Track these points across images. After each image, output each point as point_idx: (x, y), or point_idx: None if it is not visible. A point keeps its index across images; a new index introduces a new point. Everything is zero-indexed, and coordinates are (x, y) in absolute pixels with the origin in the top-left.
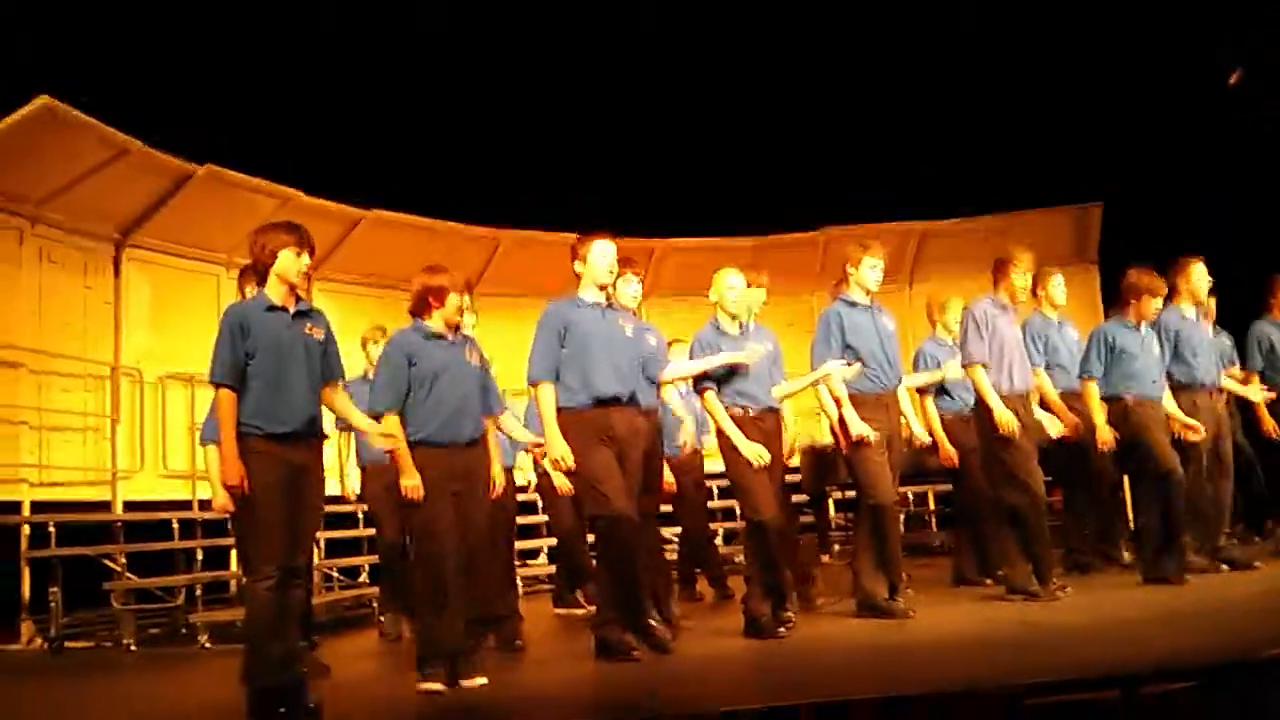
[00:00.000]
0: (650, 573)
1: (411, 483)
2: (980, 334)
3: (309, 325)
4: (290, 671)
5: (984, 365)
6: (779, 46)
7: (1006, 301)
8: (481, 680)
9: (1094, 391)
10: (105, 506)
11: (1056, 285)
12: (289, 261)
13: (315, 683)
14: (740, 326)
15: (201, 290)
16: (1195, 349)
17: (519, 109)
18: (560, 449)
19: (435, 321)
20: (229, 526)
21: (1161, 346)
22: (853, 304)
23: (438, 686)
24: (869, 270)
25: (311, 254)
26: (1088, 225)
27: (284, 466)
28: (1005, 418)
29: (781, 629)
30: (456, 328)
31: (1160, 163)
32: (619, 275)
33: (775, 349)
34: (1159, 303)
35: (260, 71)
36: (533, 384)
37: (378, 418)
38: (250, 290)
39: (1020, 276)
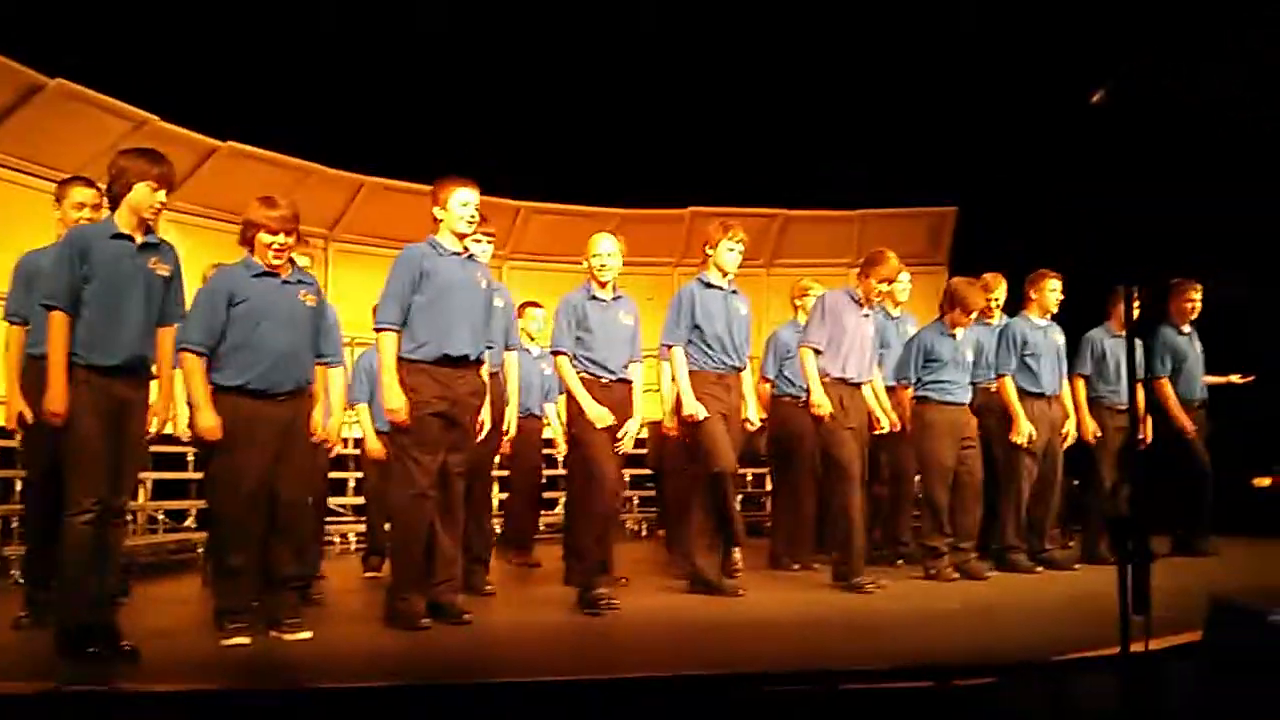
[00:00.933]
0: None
1: (208, 425)
2: (822, 320)
3: (154, 259)
4: (103, 611)
5: (816, 350)
6: (669, 23)
7: (860, 296)
8: (305, 634)
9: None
10: None
11: (900, 284)
12: (144, 195)
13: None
14: (614, 292)
15: (40, 209)
16: (1040, 357)
17: (397, 52)
18: (398, 401)
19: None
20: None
21: (979, 355)
22: (707, 284)
23: (244, 640)
24: (727, 252)
25: (169, 191)
26: (941, 227)
27: (108, 400)
28: (819, 399)
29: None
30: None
31: (1018, 169)
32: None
33: (635, 321)
34: (971, 318)
35: None
36: (378, 329)
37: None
38: (65, 205)
39: (877, 281)
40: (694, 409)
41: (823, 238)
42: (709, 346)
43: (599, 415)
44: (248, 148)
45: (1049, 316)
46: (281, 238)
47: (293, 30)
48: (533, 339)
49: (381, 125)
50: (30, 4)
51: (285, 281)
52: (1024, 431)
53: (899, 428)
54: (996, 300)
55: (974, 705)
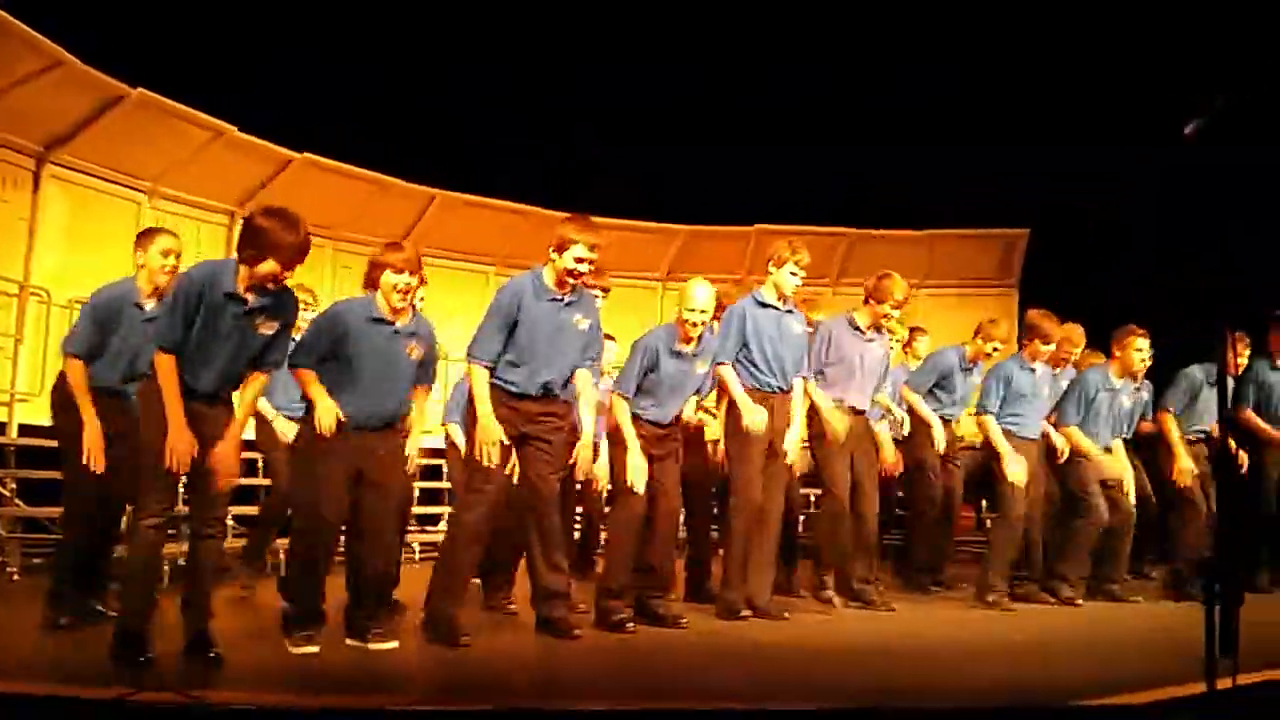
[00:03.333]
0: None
1: (328, 420)
2: (823, 349)
3: (261, 319)
4: (196, 618)
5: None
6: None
7: (862, 324)
8: (392, 644)
9: (991, 425)
10: (0, 428)
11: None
12: (269, 269)
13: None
14: (697, 345)
15: (121, 216)
16: (1099, 416)
17: (468, 68)
18: (495, 435)
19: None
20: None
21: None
22: (762, 304)
23: (312, 649)
24: (789, 275)
25: (292, 267)
26: (1013, 250)
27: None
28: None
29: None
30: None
31: (1093, 195)
32: (593, 283)
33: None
34: (1050, 348)
35: None
36: (470, 361)
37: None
38: (153, 251)
39: (888, 306)
40: (752, 418)
41: (891, 258)
42: (755, 367)
43: (638, 468)
44: (323, 159)
45: (1130, 377)
46: (406, 277)
47: (368, 44)
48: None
49: (454, 139)
50: (112, 16)
51: (396, 332)
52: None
53: (898, 470)
54: (1073, 355)
55: None
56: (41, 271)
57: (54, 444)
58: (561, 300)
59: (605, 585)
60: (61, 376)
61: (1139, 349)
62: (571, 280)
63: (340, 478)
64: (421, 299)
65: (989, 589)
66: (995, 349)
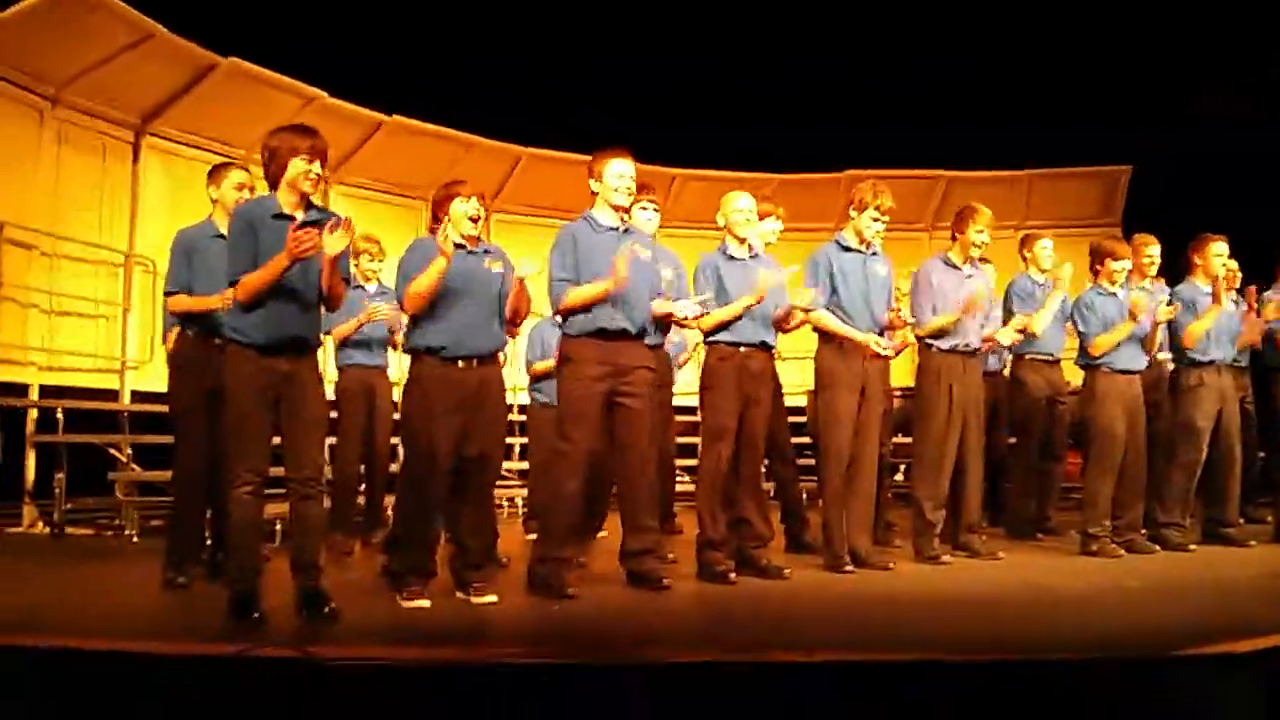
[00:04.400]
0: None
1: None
2: (926, 295)
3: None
4: (308, 576)
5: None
6: None
7: (957, 260)
8: (492, 598)
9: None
10: (113, 395)
11: (1043, 249)
12: (299, 169)
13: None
14: (750, 250)
15: None
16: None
17: (553, 24)
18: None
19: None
20: None
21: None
22: (846, 248)
23: (423, 603)
24: (870, 220)
25: (324, 163)
26: (1114, 188)
27: (267, 376)
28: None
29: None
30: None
31: (1195, 130)
32: (635, 200)
33: (782, 280)
34: (1124, 264)
35: None
36: (556, 311)
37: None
38: (225, 187)
39: (974, 233)
40: (870, 340)
41: (988, 200)
42: (844, 311)
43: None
44: (412, 121)
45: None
46: (475, 204)
47: (454, 5)
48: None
49: (539, 97)
50: None
51: (471, 253)
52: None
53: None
54: (1150, 258)
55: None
56: (145, 241)
57: (165, 409)
58: (617, 230)
59: (704, 537)
60: (175, 342)
61: (1219, 253)
62: (621, 202)
63: (449, 429)
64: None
65: (1092, 538)
66: (981, 239)
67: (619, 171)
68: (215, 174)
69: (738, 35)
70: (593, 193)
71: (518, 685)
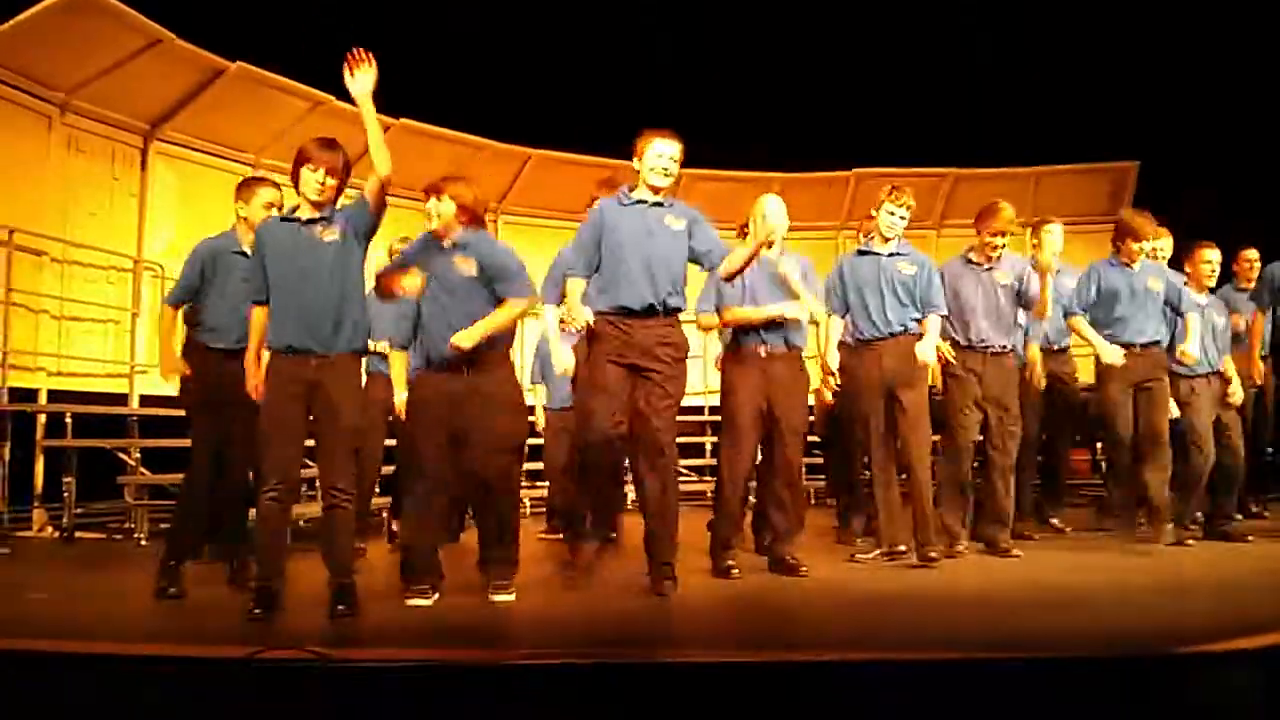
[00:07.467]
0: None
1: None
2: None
3: (321, 228)
4: (339, 577)
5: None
6: None
7: (976, 258)
8: (509, 597)
9: (1079, 324)
10: (122, 400)
11: (1049, 233)
12: (305, 177)
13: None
14: (781, 252)
15: (227, 189)
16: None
17: (556, 26)
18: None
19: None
20: None
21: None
22: (864, 252)
23: (424, 601)
24: (888, 215)
25: (336, 175)
26: (1123, 183)
27: (295, 383)
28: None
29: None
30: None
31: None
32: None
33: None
34: (1143, 245)
35: None
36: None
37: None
38: (255, 204)
39: (990, 235)
40: (833, 367)
41: (995, 196)
42: (855, 317)
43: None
44: (421, 125)
45: (1207, 292)
46: (323, 174)
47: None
48: None
49: (546, 98)
50: None
51: (441, 251)
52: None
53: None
54: (1160, 250)
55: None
56: (154, 246)
57: (174, 413)
58: (646, 203)
59: (714, 533)
60: (185, 346)
61: (1207, 260)
62: (658, 182)
63: (435, 429)
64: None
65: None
66: (1000, 239)
67: (659, 151)
68: (245, 189)
69: (744, 35)
70: (635, 172)
71: (529, 685)
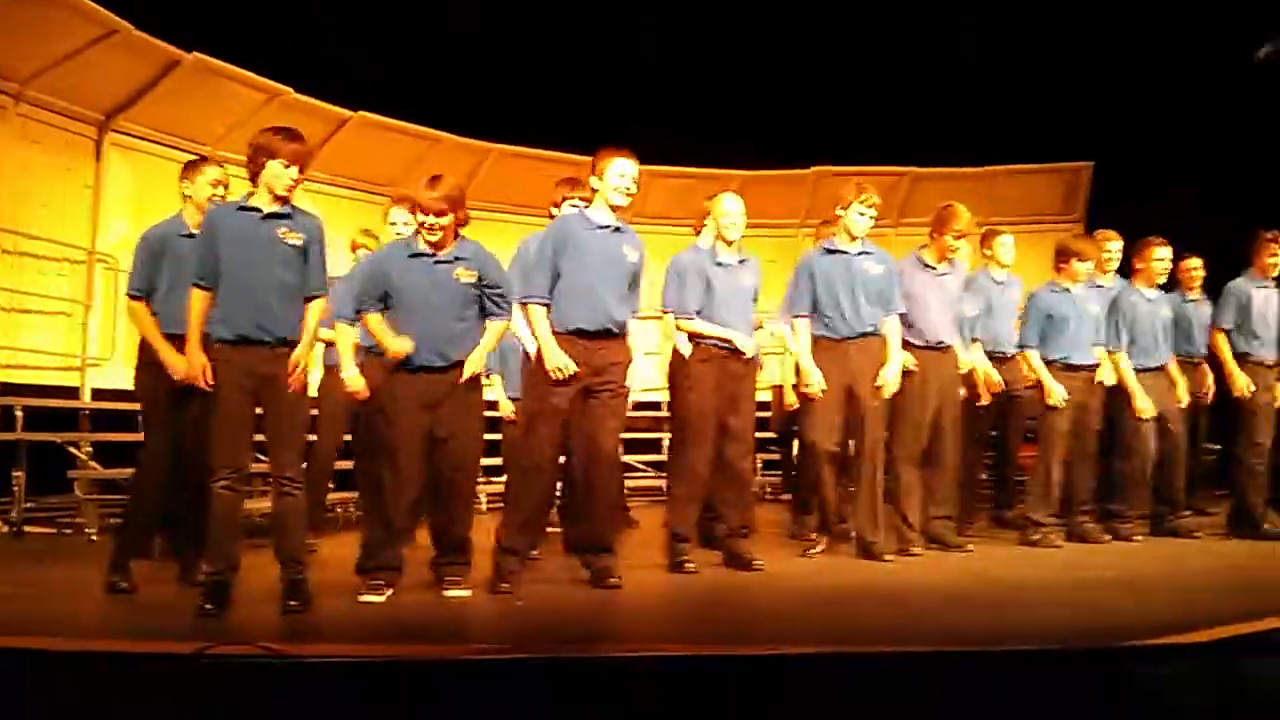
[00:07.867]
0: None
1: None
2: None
3: (284, 229)
4: (289, 571)
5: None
6: None
7: (931, 259)
8: (463, 593)
9: (1033, 359)
10: (74, 393)
11: (1002, 245)
12: (275, 172)
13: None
14: (739, 254)
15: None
16: (1144, 334)
17: (517, 23)
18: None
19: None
20: None
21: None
22: (830, 251)
23: (377, 598)
24: (857, 215)
25: (302, 169)
26: (1077, 184)
27: (245, 375)
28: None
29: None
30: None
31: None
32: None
33: (755, 282)
34: (1088, 266)
35: None
36: (520, 302)
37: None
38: (201, 183)
39: (950, 238)
40: (810, 382)
41: (951, 197)
42: (826, 315)
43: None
44: (378, 118)
45: (1157, 287)
46: (432, 218)
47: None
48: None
49: (506, 93)
50: None
51: (439, 261)
52: (1146, 409)
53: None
54: (1110, 254)
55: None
56: (108, 238)
57: (126, 406)
58: (608, 229)
59: (672, 529)
60: (143, 338)
61: (1159, 258)
62: (619, 202)
63: (415, 433)
64: None
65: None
66: (958, 241)
67: (621, 171)
68: (190, 169)
69: (703, 32)
70: (592, 190)
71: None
